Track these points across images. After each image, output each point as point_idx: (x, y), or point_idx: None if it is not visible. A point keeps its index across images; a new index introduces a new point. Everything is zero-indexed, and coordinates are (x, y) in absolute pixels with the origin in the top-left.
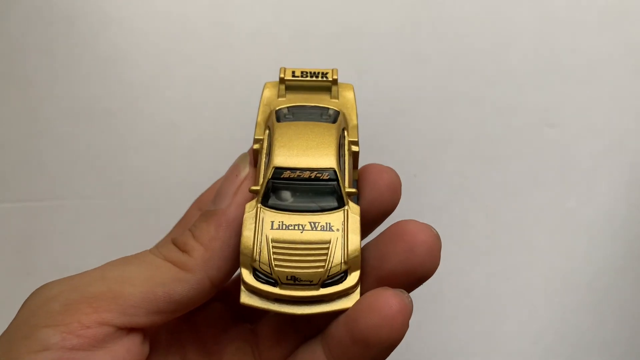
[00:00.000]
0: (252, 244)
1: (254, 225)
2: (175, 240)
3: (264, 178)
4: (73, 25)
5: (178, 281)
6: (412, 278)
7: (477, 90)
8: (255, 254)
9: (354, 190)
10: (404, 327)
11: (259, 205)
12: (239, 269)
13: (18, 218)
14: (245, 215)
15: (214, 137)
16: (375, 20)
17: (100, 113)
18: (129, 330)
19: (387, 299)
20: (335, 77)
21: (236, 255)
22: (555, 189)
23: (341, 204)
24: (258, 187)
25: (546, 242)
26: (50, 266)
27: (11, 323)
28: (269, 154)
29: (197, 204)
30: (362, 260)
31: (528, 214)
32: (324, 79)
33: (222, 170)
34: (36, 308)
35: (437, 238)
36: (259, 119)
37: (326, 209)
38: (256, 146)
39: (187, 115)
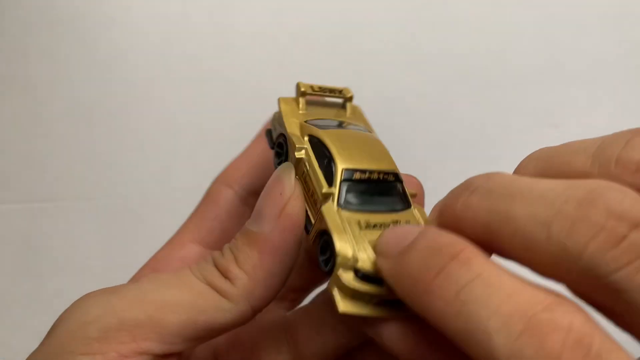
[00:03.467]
0: (349, 245)
1: (342, 225)
2: (218, 262)
3: (334, 180)
4: (74, 26)
5: (220, 310)
6: None
7: (479, 91)
8: (355, 254)
9: (414, 192)
10: None
11: (338, 207)
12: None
13: (19, 219)
14: (328, 218)
15: (214, 138)
16: (375, 21)
17: (100, 114)
18: (166, 356)
19: None
20: (351, 94)
21: (281, 283)
22: None
23: (408, 205)
24: (332, 190)
25: None
26: (51, 267)
27: (45, 342)
28: (329, 159)
29: (223, 179)
30: None
31: None
32: (340, 95)
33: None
34: (72, 332)
35: None
36: (290, 130)
37: (397, 209)
38: (300, 154)
39: (188, 116)
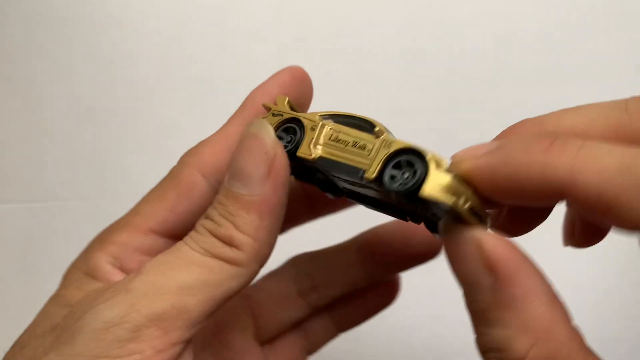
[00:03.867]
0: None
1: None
2: (216, 232)
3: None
4: (74, 26)
5: (234, 278)
6: None
7: (479, 91)
8: (467, 191)
9: None
10: None
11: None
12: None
13: (20, 219)
14: (399, 140)
15: None
16: (375, 20)
17: (101, 114)
18: (190, 339)
19: None
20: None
21: (277, 234)
22: None
23: None
24: (383, 128)
25: (548, 242)
26: (51, 267)
27: (62, 349)
28: (356, 122)
29: (197, 164)
30: None
31: None
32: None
33: None
34: (97, 336)
35: None
36: (298, 114)
37: None
38: (323, 122)
39: (188, 115)
